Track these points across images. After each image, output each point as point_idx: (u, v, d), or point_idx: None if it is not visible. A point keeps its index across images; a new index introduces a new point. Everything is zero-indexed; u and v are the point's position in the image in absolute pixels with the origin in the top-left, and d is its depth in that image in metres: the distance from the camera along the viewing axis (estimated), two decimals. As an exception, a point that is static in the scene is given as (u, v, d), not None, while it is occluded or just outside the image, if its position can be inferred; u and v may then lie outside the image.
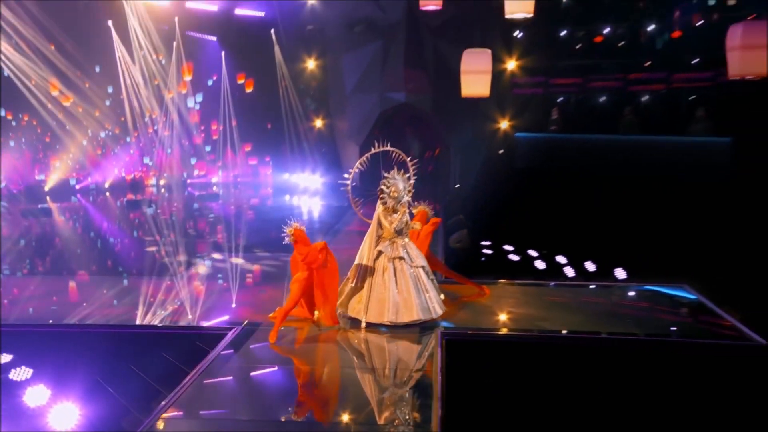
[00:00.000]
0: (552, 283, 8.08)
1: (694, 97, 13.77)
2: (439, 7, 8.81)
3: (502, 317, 6.90)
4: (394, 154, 6.51)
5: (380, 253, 6.37)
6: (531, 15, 6.98)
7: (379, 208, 6.42)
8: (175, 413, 4.74)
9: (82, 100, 15.16)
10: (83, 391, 5.09)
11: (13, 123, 15.34)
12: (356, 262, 6.43)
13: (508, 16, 7.10)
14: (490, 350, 6.03)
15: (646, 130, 13.65)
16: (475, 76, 7.70)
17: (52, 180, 15.76)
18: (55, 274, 9.46)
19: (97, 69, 15.12)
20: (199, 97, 16.18)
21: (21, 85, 14.20)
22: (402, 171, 6.44)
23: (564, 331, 6.37)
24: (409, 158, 6.51)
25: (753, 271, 7.78)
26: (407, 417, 4.69)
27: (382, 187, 6.34)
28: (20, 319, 7.02)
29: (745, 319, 6.39)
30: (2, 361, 5.70)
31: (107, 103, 15.58)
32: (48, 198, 15.33)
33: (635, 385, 5.20)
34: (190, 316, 6.99)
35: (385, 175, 6.37)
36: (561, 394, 5.06)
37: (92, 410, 4.90)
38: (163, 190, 16.41)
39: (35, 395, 5.16)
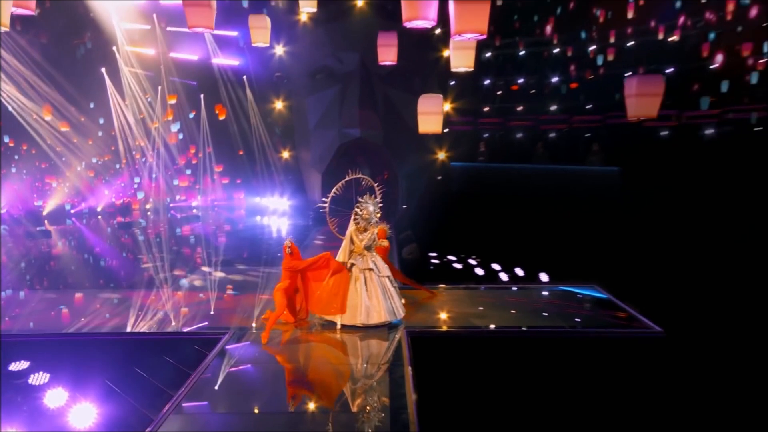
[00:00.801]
0: (482, 287, 8.19)
1: (589, 134, 14.51)
2: (394, 63, 8.95)
3: (451, 316, 6.95)
4: (364, 182, 6.51)
5: (353, 265, 6.35)
6: (472, 69, 7.19)
7: (352, 226, 6.40)
8: (181, 411, 4.55)
9: (77, 132, 14.58)
10: (94, 393, 4.82)
11: (16, 157, 14.59)
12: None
13: (453, 69, 7.25)
14: (446, 343, 6.11)
15: (553, 160, 14.32)
16: (430, 116, 7.83)
17: (49, 205, 14.96)
18: (58, 288, 8.88)
19: (92, 105, 14.64)
20: (178, 126, 15.74)
21: (22, 120, 13.59)
22: (372, 195, 6.45)
23: (492, 326, 6.52)
24: (377, 184, 6.51)
25: (647, 272, 8.17)
26: (377, 404, 4.66)
27: (357, 210, 6.33)
28: (23, 330, 6.54)
29: (644, 311, 6.69)
30: (19, 368, 5.32)
31: (99, 134, 15.04)
32: (46, 221, 14.55)
33: (553, 369, 5.33)
34: (174, 323, 6.69)
35: (359, 199, 6.36)
36: (504, 375, 5.21)
37: (104, 411, 4.64)
38: (149, 213, 15.77)
39: (51, 398, 4.84)
